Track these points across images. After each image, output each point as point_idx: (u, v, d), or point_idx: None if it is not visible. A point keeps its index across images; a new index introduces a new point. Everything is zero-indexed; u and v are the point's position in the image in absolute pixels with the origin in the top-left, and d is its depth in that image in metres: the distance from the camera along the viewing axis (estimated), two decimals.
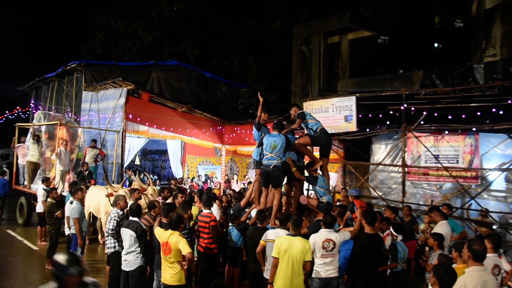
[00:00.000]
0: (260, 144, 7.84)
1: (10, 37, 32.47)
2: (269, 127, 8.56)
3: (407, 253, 7.24)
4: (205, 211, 7.76)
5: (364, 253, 6.33)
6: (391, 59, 19.57)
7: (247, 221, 7.80)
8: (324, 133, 7.98)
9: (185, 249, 5.69)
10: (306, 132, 8.26)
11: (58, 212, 9.47)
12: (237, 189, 14.46)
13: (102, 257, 10.51)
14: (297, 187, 8.15)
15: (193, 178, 17.95)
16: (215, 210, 8.81)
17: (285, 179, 8.17)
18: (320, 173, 8.01)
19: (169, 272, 5.92)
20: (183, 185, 15.51)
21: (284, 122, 8.80)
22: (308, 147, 8.47)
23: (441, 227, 7.49)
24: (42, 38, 31.70)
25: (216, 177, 19.27)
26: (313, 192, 8.39)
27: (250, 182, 15.37)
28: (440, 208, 8.55)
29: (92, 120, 16.00)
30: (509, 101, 10.10)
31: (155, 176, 20.43)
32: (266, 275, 6.24)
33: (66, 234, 8.79)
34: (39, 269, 9.51)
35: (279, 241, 5.90)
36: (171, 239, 5.83)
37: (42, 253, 10.40)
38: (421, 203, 11.93)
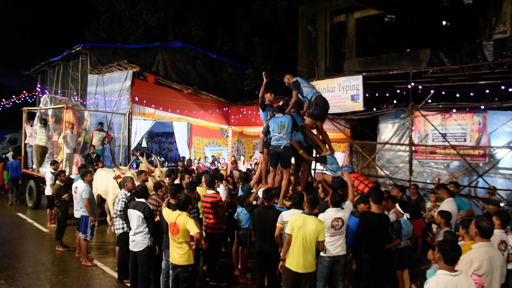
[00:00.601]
0: (267, 132, 7.79)
1: (13, 22, 32.35)
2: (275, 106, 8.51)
3: (412, 231, 7.24)
4: (209, 191, 7.80)
5: (368, 232, 6.33)
6: (398, 38, 19.30)
7: (255, 202, 7.82)
8: (321, 101, 7.88)
9: (193, 230, 5.73)
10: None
11: (65, 195, 9.57)
12: (243, 170, 14.50)
13: (110, 239, 10.65)
14: (305, 167, 8.13)
15: (199, 159, 17.99)
16: (222, 190, 8.84)
17: (292, 159, 8.16)
18: (329, 153, 7.98)
19: (177, 252, 5.97)
20: (192, 167, 15.55)
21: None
22: (315, 131, 8.36)
23: (448, 204, 7.51)
24: (45, 22, 31.50)
25: (223, 158, 19.32)
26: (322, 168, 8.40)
27: (257, 163, 15.40)
28: (447, 186, 8.55)
29: (98, 103, 16.02)
30: None
31: (162, 158, 20.52)
32: None
33: (77, 217, 8.85)
34: (49, 251, 9.64)
35: (293, 219, 5.92)
36: (179, 220, 5.87)
37: (52, 235, 10.53)
38: (428, 181, 11.92)
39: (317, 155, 8.14)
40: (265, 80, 8.22)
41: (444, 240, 4.67)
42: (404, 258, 6.99)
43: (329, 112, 13.16)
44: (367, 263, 6.39)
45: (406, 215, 7.15)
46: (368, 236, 6.34)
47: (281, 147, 7.40)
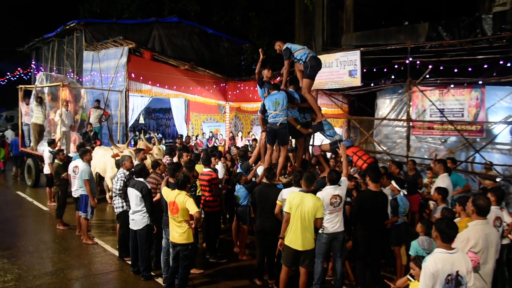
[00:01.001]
0: (263, 110, 7.78)
1: None
2: (273, 83, 8.47)
3: (409, 207, 7.31)
4: (205, 169, 7.85)
5: (365, 210, 6.39)
6: (396, 10, 19.07)
7: (253, 179, 7.86)
8: (315, 62, 7.87)
9: (193, 209, 5.78)
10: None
11: (64, 173, 9.59)
12: (241, 146, 14.54)
13: (110, 216, 10.73)
14: (301, 144, 8.17)
15: (197, 136, 17.98)
16: (220, 167, 8.88)
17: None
18: (324, 118, 8.00)
19: (177, 231, 6.04)
20: (190, 143, 15.54)
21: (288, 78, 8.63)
22: (312, 97, 8.27)
23: (442, 180, 7.59)
24: None
25: (221, 134, 19.32)
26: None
27: (254, 139, 15.42)
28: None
29: (94, 80, 15.91)
30: None
31: (159, 134, 20.52)
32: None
33: (75, 196, 8.88)
34: (50, 229, 9.73)
35: (291, 197, 5.98)
36: (178, 199, 5.92)
37: (52, 214, 10.61)
38: (426, 157, 11.97)
39: (313, 124, 8.12)
40: (261, 56, 8.17)
41: (441, 218, 4.73)
42: (401, 235, 7.08)
43: (326, 88, 13.29)
44: (364, 240, 6.47)
45: (403, 192, 7.20)
46: (365, 213, 6.40)
47: (278, 124, 7.42)
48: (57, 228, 9.65)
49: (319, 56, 13.60)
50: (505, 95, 10.92)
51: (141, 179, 6.94)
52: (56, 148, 11.25)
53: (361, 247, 6.51)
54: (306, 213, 5.85)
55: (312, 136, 9.98)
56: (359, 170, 8.24)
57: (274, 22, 22.10)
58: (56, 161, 10.03)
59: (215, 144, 17.02)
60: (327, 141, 8.13)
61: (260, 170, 7.87)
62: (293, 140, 8.55)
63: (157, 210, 6.94)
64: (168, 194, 6.16)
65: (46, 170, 11.72)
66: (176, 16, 20.06)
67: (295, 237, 5.92)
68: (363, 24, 17.54)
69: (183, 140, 15.13)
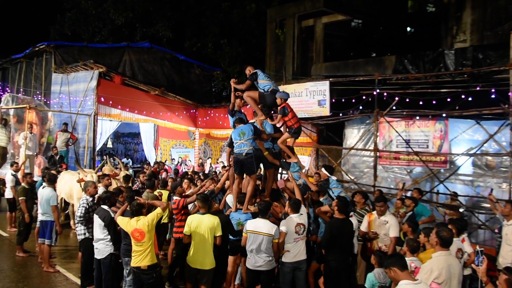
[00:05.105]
0: (230, 143, 7.81)
1: None
2: (244, 112, 8.53)
3: None
4: (174, 197, 7.75)
5: (334, 238, 6.41)
6: (364, 42, 19.66)
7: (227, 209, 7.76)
8: (275, 93, 7.98)
9: (153, 213, 6.07)
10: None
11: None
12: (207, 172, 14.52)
13: (74, 243, 10.36)
14: (271, 174, 8.17)
15: (165, 161, 17.78)
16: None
17: (261, 165, 8.20)
18: (296, 160, 8.08)
19: (142, 255, 5.95)
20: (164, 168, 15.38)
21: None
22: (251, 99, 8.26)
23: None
24: (8, 17, 30.44)
25: (190, 160, 19.21)
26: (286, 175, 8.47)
27: (224, 166, 15.37)
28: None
29: (62, 103, 15.66)
30: (478, 88, 10.36)
31: (128, 159, 20.22)
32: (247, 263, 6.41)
33: (38, 220, 8.56)
34: (9, 256, 9.33)
35: (190, 220, 6.40)
36: (139, 224, 5.92)
37: (12, 240, 10.22)
38: (392, 187, 12.19)
39: (282, 160, 8.17)
40: (233, 85, 8.21)
41: (393, 254, 4.81)
42: None
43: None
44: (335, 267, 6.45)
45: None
46: (336, 241, 6.41)
47: (243, 154, 7.32)
48: (17, 255, 9.26)
49: (289, 85, 13.97)
50: (467, 127, 11.33)
51: (105, 207, 6.76)
52: (20, 172, 10.91)
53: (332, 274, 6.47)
54: (204, 233, 6.25)
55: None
56: None
57: (245, 49, 22.38)
58: (22, 184, 9.73)
59: (183, 170, 16.87)
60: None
61: (229, 199, 7.81)
62: (262, 168, 8.56)
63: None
64: (127, 223, 6.04)
65: (8, 194, 11.27)
66: (148, 42, 20.08)
67: (195, 257, 6.31)
68: (333, 55, 18.01)
69: (151, 165, 14.91)
